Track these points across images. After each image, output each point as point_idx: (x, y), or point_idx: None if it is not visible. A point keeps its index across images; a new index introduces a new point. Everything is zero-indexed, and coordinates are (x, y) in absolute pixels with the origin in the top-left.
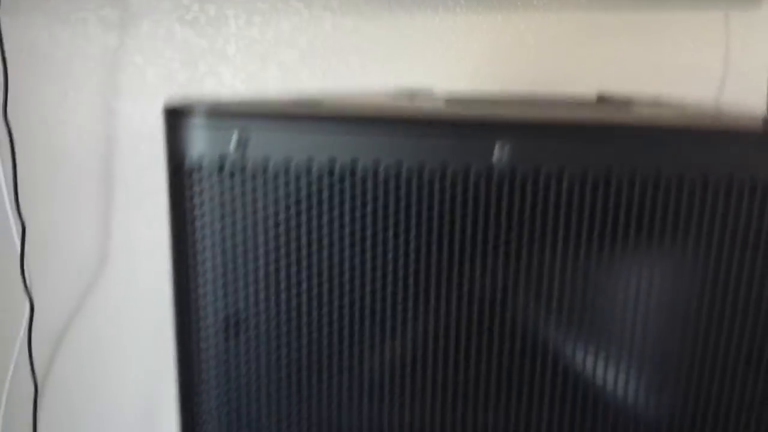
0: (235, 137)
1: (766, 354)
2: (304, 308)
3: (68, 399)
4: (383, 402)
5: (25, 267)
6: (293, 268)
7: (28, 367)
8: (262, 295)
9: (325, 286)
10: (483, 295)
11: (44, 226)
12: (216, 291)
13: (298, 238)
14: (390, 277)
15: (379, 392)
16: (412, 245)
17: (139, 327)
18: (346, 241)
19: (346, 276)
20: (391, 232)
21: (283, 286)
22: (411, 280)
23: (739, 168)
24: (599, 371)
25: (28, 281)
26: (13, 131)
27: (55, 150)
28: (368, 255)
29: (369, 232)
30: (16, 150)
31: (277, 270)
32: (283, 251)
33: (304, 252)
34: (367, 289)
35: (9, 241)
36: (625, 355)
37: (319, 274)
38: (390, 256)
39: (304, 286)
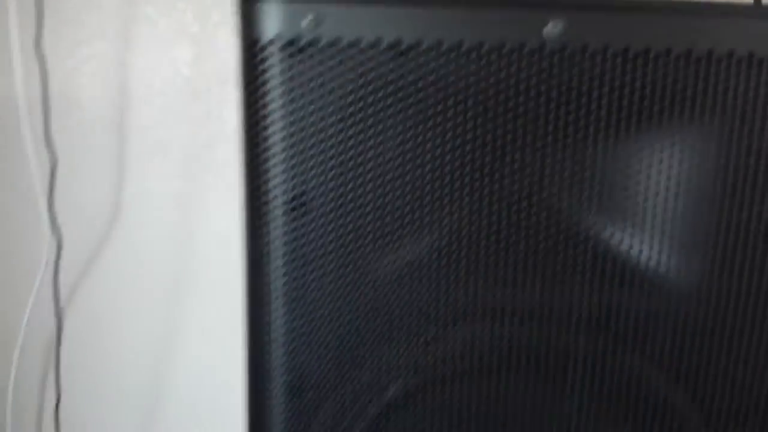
0: (309, 17)
1: None
2: (368, 187)
3: (84, 348)
4: (435, 281)
5: (53, 205)
6: (359, 147)
7: (52, 308)
8: (328, 175)
9: (389, 165)
10: (533, 169)
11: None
12: (284, 170)
13: (364, 118)
14: (449, 156)
15: (432, 271)
16: (470, 121)
17: (150, 277)
18: (410, 120)
19: (409, 154)
20: (450, 109)
21: (349, 165)
22: (469, 157)
23: None
24: (634, 249)
25: (53, 221)
26: None
27: (69, 101)
28: (430, 133)
29: (431, 111)
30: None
31: (343, 150)
32: (350, 131)
33: (370, 131)
34: (428, 167)
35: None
36: (657, 231)
37: (383, 153)
38: (449, 133)
39: (369, 165)
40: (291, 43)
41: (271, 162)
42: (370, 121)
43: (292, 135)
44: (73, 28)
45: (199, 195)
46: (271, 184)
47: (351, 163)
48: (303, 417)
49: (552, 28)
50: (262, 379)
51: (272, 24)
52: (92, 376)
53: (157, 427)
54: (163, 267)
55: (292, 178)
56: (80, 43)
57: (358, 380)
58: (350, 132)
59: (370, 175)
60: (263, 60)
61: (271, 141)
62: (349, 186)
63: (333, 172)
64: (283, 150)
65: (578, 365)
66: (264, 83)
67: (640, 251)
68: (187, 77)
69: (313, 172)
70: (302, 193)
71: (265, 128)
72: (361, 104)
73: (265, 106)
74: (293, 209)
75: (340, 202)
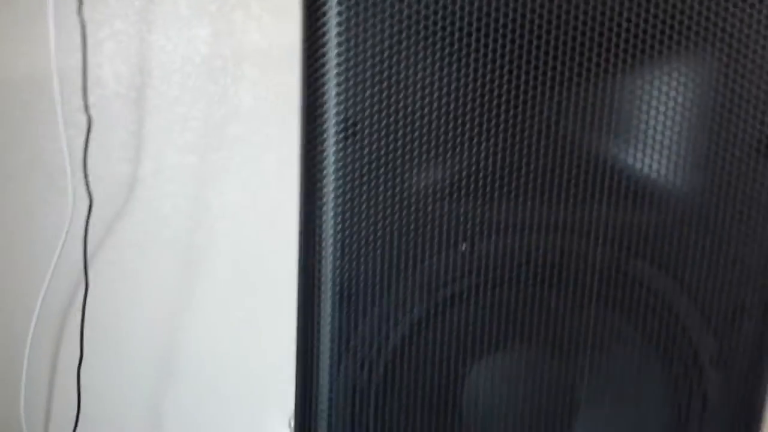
0: None
1: None
2: (411, 116)
3: (105, 305)
4: (470, 198)
5: (86, 166)
6: (404, 80)
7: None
8: (376, 104)
9: (429, 96)
10: (555, 99)
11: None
12: (338, 101)
13: (408, 55)
14: (481, 89)
15: (466, 190)
16: (500, 57)
17: (164, 249)
18: (448, 57)
19: (446, 88)
20: (484, 46)
21: (394, 95)
22: (498, 90)
23: None
24: (643, 167)
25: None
26: None
27: (90, 77)
28: (464, 69)
29: (466, 49)
30: None
31: (390, 82)
32: (396, 66)
33: (413, 67)
34: (462, 99)
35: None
36: (661, 150)
37: (425, 85)
38: (482, 69)
39: (412, 96)
40: None
41: (327, 93)
42: (413, 58)
43: (345, 69)
44: (92, 7)
45: (213, 169)
46: (326, 114)
47: (396, 94)
48: (351, 321)
49: None
50: (313, 287)
51: None
52: (112, 335)
53: (174, 384)
54: (179, 234)
55: (345, 108)
56: (101, 22)
57: (400, 289)
58: (396, 67)
59: (412, 106)
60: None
61: (326, 75)
62: (394, 114)
63: (381, 101)
64: (337, 83)
65: (595, 272)
66: (319, 21)
67: (648, 169)
68: (205, 55)
69: (363, 102)
70: (354, 122)
71: (323, 64)
72: (406, 33)
73: (320, 42)
74: (345, 135)
75: (385, 128)
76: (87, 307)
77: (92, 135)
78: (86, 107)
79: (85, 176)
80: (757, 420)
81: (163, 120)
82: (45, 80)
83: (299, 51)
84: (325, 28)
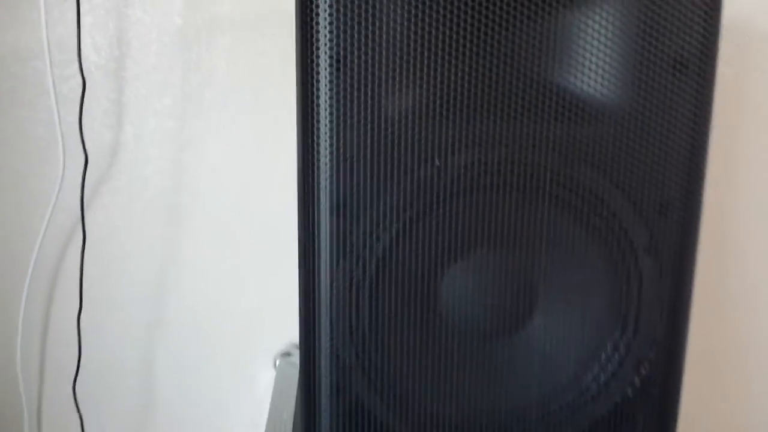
0: None
1: (690, 64)
2: (392, 50)
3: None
4: (442, 119)
5: (82, 127)
6: (385, 20)
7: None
8: (361, 35)
9: (406, 34)
10: (509, 34)
11: None
12: (330, 37)
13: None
14: (451, 27)
15: (441, 107)
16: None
17: (148, 208)
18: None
19: (421, 29)
20: None
21: (378, 33)
22: (469, 16)
23: None
24: (582, 86)
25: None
26: None
27: (67, 51)
28: (434, 13)
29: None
30: None
31: (374, 21)
32: (376, 3)
33: (393, 9)
34: (435, 38)
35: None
36: (596, 67)
37: (404, 26)
38: (450, 13)
39: (392, 34)
40: None
41: (319, 32)
42: (392, 4)
43: (335, 10)
44: None
45: (191, 132)
46: (318, 48)
47: (378, 30)
48: (346, 226)
49: None
50: (312, 200)
51: None
52: (106, 287)
53: (164, 332)
54: (163, 194)
55: (335, 43)
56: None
57: (387, 198)
58: (377, 9)
59: (391, 41)
60: None
61: (319, 17)
62: (377, 48)
63: (365, 37)
64: (329, 22)
65: (546, 178)
66: None
67: (587, 88)
68: (179, 26)
69: (350, 37)
70: (343, 54)
71: (317, 5)
72: None
73: None
74: (336, 66)
75: (369, 59)
76: (83, 261)
77: (69, 108)
78: (81, 70)
79: (81, 134)
80: (686, 298)
81: (142, 88)
82: (35, 51)
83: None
84: None
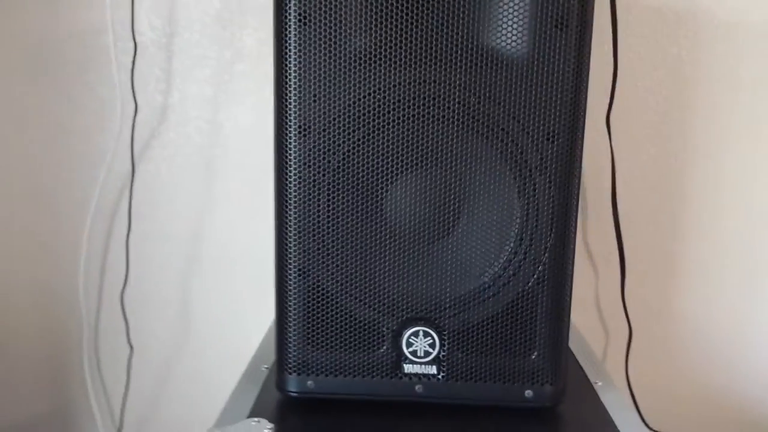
0: None
1: (569, 22)
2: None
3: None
4: (389, 61)
5: (134, 81)
6: None
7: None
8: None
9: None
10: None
11: None
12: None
13: None
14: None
15: (387, 53)
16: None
17: (189, 159)
18: None
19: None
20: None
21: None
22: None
23: None
24: (491, 39)
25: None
26: None
27: (128, 28)
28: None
29: None
30: None
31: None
32: None
33: None
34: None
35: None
36: (500, 27)
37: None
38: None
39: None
40: None
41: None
42: None
43: None
44: None
45: (225, 98)
46: (289, 10)
47: None
48: (307, 148)
49: None
50: (284, 125)
51: None
52: (153, 218)
53: (199, 266)
54: (201, 149)
55: (302, 4)
56: None
57: (338, 126)
58: None
59: (346, 3)
60: None
61: None
62: (334, 8)
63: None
64: None
65: (464, 111)
66: None
67: (495, 42)
68: (218, 9)
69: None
70: (308, 14)
71: None
72: None
73: None
74: (303, 23)
75: (329, 18)
76: (132, 201)
77: (128, 74)
78: (133, 37)
79: (132, 89)
80: (571, 210)
81: (186, 60)
82: (103, 28)
83: None
84: None
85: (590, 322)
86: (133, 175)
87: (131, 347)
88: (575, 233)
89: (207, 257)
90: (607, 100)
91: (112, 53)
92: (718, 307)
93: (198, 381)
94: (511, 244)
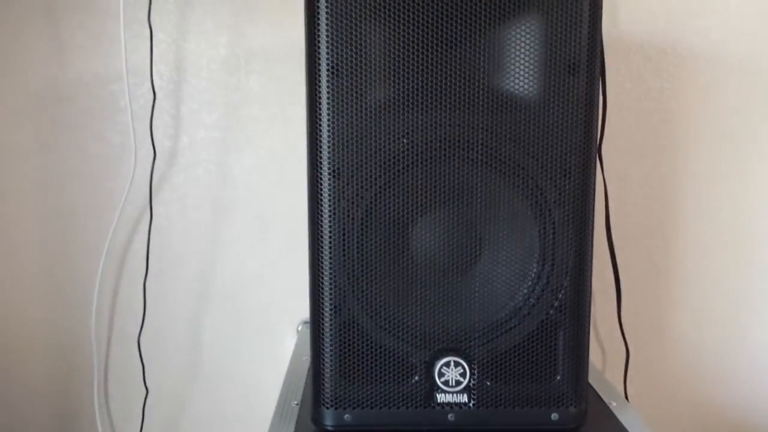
0: None
1: (579, 68)
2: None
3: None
4: (412, 106)
5: (152, 129)
6: (374, 35)
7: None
8: (352, 50)
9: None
10: (454, 39)
11: None
12: (327, 48)
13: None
14: (421, 38)
15: (411, 98)
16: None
17: (198, 202)
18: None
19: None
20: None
21: (363, 44)
22: (429, 39)
23: None
24: (508, 85)
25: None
26: None
27: (138, 75)
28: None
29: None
30: None
31: (360, 36)
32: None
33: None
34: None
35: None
36: (517, 74)
37: (391, 36)
38: (421, 26)
39: (382, 43)
40: None
41: (321, 48)
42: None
43: (332, 33)
44: (141, 23)
45: (233, 141)
46: (320, 61)
47: (364, 47)
48: (339, 188)
49: None
50: (317, 167)
51: None
52: (166, 259)
53: (210, 304)
54: (209, 190)
55: (332, 56)
56: (146, 36)
57: (368, 168)
58: (365, 33)
59: (373, 55)
60: None
61: (320, 37)
62: (362, 59)
63: (354, 53)
64: (327, 42)
65: (485, 152)
66: None
67: (512, 88)
68: (224, 55)
69: (343, 52)
70: (337, 65)
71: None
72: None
73: None
74: (333, 73)
75: (357, 68)
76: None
77: (140, 120)
78: (152, 85)
79: (151, 135)
80: (587, 240)
81: (194, 105)
82: (113, 76)
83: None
84: None
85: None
86: (151, 219)
87: (147, 389)
88: (592, 261)
89: (218, 296)
90: (599, 132)
91: (125, 101)
92: (711, 328)
93: (211, 419)
94: (533, 275)
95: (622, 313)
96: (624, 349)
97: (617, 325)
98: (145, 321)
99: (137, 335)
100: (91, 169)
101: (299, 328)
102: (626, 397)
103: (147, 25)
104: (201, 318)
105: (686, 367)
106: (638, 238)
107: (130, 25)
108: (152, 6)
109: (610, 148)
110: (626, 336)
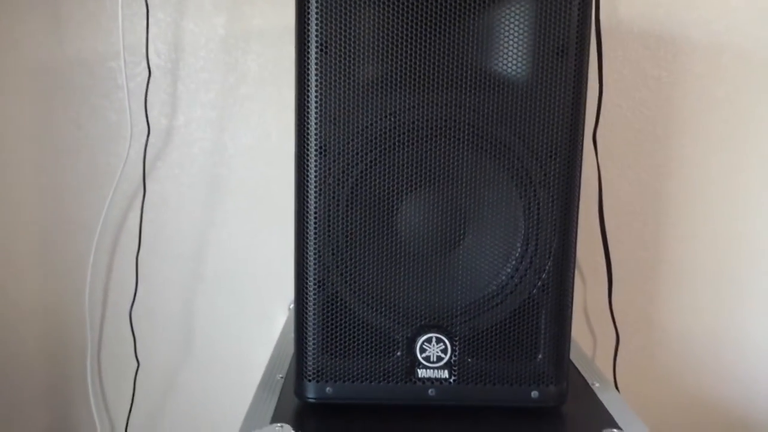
0: None
1: (568, 50)
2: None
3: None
4: (401, 86)
5: (147, 106)
6: (364, 13)
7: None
8: (342, 29)
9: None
10: (445, 33)
11: None
12: (317, 27)
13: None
14: (411, 26)
15: (400, 78)
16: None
17: (193, 179)
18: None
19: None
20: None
21: (352, 23)
22: (418, 24)
23: None
24: (497, 66)
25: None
26: None
27: (135, 54)
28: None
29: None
30: None
31: (350, 14)
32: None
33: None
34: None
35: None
36: (506, 55)
37: (382, 16)
38: (411, 16)
39: (372, 23)
40: None
41: (310, 27)
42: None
43: (322, 12)
44: (139, 1)
45: (229, 120)
46: (309, 40)
47: (352, 26)
48: (325, 166)
49: None
50: (304, 144)
51: None
52: (160, 237)
53: (202, 283)
54: (204, 168)
55: (322, 34)
56: (144, 14)
57: (354, 147)
58: (354, 12)
59: (362, 34)
60: None
61: (310, 17)
62: (350, 39)
63: (343, 31)
64: (317, 21)
65: (472, 131)
66: None
67: (500, 69)
68: (222, 35)
69: (332, 31)
70: (327, 43)
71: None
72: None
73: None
74: (323, 51)
75: (346, 47)
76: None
77: (136, 98)
78: (148, 63)
79: (146, 112)
80: (572, 221)
81: (191, 84)
82: (111, 54)
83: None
84: None
85: (579, 329)
86: (144, 196)
87: (138, 362)
88: (576, 243)
89: (211, 273)
90: (594, 119)
91: (122, 78)
92: (700, 314)
93: (201, 395)
94: (517, 255)
95: (613, 300)
96: (614, 334)
97: (608, 310)
98: (138, 296)
99: (129, 309)
100: (88, 145)
101: (290, 306)
102: (615, 382)
103: (144, 4)
104: (193, 294)
105: (675, 355)
106: (631, 225)
107: (129, 4)
108: None
109: (605, 134)
110: (617, 322)
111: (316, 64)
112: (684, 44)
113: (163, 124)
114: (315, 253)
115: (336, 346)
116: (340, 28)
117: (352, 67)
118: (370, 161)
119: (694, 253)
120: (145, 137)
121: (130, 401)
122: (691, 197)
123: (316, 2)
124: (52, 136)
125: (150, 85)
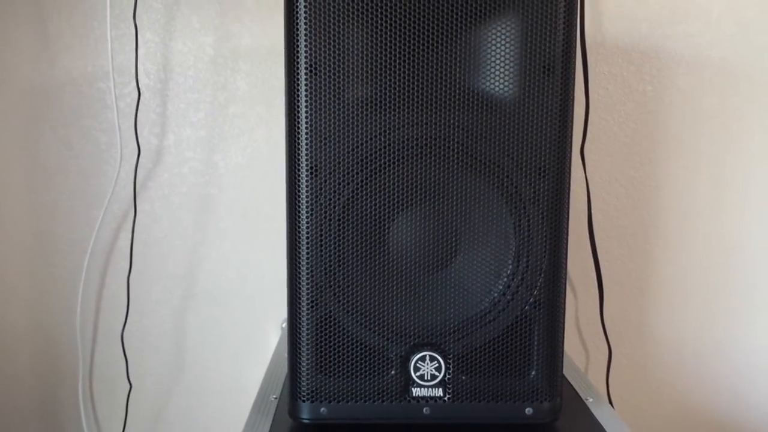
0: None
1: (555, 68)
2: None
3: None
4: (391, 105)
5: (137, 128)
6: (353, 33)
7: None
8: (331, 49)
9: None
10: (435, 45)
11: None
12: (306, 47)
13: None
14: (401, 42)
15: (389, 98)
16: (409, 26)
17: (184, 199)
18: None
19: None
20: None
21: (342, 43)
22: (408, 41)
23: None
24: (484, 85)
25: (137, 138)
26: None
27: (125, 75)
28: (392, 31)
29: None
30: None
31: (340, 34)
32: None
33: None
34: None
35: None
36: (493, 74)
37: (372, 36)
38: (400, 31)
39: (361, 43)
40: None
41: (300, 47)
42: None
43: (312, 32)
44: (127, 21)
45: (219, 139)
46: (299, 60)
47: (342, 46)
48: (317, 186)
49: None
50: (295, 165)
51: None
52: (151, 257)
53: (194, 301)
54: (195, 188)
55: (311, 55)
56: (133, 35)
57: (345, 166)
58: (343, 32)
59: (352, 54)
60: None
61: (299, 35)
62: (341, 58)
63: (333, 51)
64: (306, 41)
65: (461, 151)
66: None
67: (488, 88)
68: (211, 55)
69: (322, 51)
70: (317, 63)
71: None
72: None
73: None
74: (312, 72)
75: (336, 67)
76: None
77: (126, 118)
78: (137, 84)
79: (135, 133)
80: (561, 238)
81: (181, 104)
82: (100, 75)
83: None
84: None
85: (571, 344)
86: (135, 216)
87: (130, 384)
88: (566, 258)
89: (202, 293)
90: (581, 134)
91: (112, 99)
92: (692, 326)
93: (194, 417)
94: (508, 271)
95: (605, 313)
96: (607, 348)
97: (600, 324)
98: (129, 316)
99: (121, 331)
100: (78, 166)
101: (283, 326)
102: (609, 396)
103: (133, 24)
104: (185, 315)
105: (668, 367)
106: (621, 239)
107: (118, 24)
108: (140, 5)
109: (593, 149)
110: (609, 336)
111: (306, 84)
112: (668, 58)
113: (153, 144)
114: (308, 273)
115: (330, 366)
116: (330, 48)
117: (341, 87)
118: (361, 181)
119: (684, 265)
120: (135, 157)
121: (122, 424)
122: (680, 209)
123: (306, 23)
124: (42, 157)
125: (140, 106)
